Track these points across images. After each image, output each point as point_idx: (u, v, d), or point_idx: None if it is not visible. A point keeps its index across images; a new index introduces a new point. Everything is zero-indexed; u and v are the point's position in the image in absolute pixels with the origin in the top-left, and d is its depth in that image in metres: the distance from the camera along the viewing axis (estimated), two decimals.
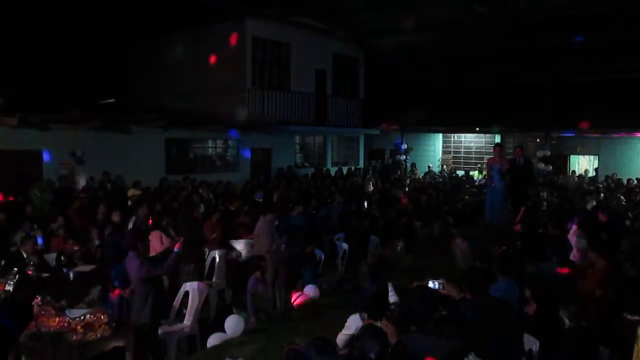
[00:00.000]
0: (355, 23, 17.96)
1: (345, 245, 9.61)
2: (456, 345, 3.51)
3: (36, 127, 12.17)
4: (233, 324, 5.83)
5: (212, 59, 16.82)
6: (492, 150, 14.36)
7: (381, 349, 3.16)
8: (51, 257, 7.83)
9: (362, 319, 4.14)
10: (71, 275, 7.03)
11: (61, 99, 14.42)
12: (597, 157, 20.43)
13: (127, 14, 16.45)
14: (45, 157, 12.62)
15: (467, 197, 15.67)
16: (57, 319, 4.82)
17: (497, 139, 21.43)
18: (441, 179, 20.27)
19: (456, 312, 4.13)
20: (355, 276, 8.25)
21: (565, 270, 5.92)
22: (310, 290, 7.44)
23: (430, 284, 4.54)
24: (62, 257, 7.72)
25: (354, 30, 18.56)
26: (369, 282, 4.37)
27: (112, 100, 17.69)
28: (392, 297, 4.60)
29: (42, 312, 4.89)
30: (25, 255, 7.19)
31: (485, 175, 17.60)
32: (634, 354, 3.81)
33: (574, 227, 7.60)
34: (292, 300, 6.56)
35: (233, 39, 16.71)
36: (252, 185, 14.67)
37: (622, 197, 14.48)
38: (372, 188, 16.63)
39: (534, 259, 6.53)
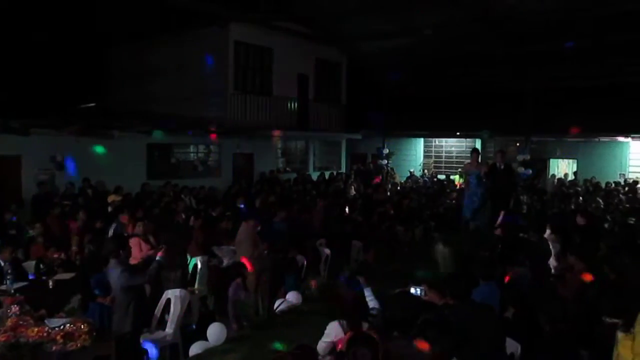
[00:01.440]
0: (338, 28, 18.03)
1: (327, 251, 9.61)
2: (439, 351, 3.53)
3: (15, 133, 11.99)
4: (216, 332, 5.81)
5: (195, 63, 16.75)
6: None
7: (372, 357, 3.19)
8: (30, 265, 7.71)
9: (342, 326, 4.15)
10: (51, 283, 6.92)
11: (41, 103, 14.22)
12: (576, 160, 20.75)
13: (109, 17, 16.30)
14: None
15: (448, 201, 15.79)
16: (36, 329, 4.74)
17: (478, 143, 21.65)
18: (422, 184, 20.40)
19: (439, 317, 4.16)
20: (338, 282, 8.26)
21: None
22: (292, 297, 7.44)
23: (412, 290, 4.55)
24: (42, 265, 7.59)
25: (336, 35, 18.62)
26: (345, 289, 4.37)
27: (92, 105, 17.51)
28: (372, 303, 4.60)
29: (21, 322, 4.80)
30: (2, 264, 7.07)
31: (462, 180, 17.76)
32: (614, 357, 3.87)
33: (547, 231, 7.69)
34: None
35: (216, 44, 16.66)
36: (235, 191, 14.61)
37: (600, 200, 14.72)
38: (354, 192, 16.68)
39: (511, 263, 6.60)
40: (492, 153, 17.87)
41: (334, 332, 4.18)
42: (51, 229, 9.32)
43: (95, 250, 7.69)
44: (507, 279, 5.69)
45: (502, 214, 9.73)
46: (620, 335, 3.83)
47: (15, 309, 4.92)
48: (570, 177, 20.47)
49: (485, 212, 10.99)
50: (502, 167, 10.84)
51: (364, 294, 4.61)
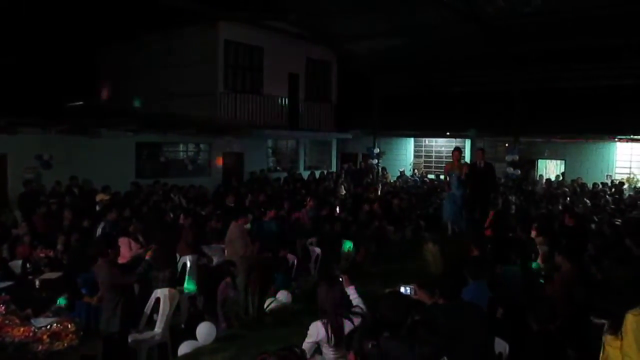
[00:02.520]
0: (329, 28, 18.03)
1: (318, 250, 9.61)
2: (429, 351, 3.53)
3: (1, 131, 11.86)
4: (205, 331, 5.78)
5: (184, 62, 16.66)
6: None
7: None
8: (16, 265, 7.62)
9: (324, 325, 4.14)
10: (37, 283, 6.85)
11: (28, 101, 14.07)
12: (564, 161, 20.91)
13: (98, 16, 16.17)
14: None
15: (439, 200, 15.82)
16: (22, 329, 4.68)
17: (467, 143, 21.74)
18: (412, 183, 20.44)
19: (428, 317, 4.16)
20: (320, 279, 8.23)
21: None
22: (282, 296, 7.43)
23: (402, 290, 4.55)
24: (28, 265, 7.51)
25: (327, 34, 18.62)
26: (324, 288, 4.33)
27: (80, 103, 17.36)
28: (355, 300, 4.59)
29: (7, 322, 4.74)
30: None
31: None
32: (601, 359, 3.89)
33: (533, 232, 7.74)
34: None
35: (205, 43, 16.59)
36: (224, 190, 14.56)
37: (587, 200, 14.83)
38: (344, 192, 16.68)
39: (501, 262, 6.64)
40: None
41: (316, 332, 4.17)
42: (37, 228, 9.22)
43: (81, 249, 7.61)
44: None
45: (491, 214, 9.76)
46: (608, 337, 3.85)
47: (0, 308, 4.85)
48: (560, 178, 20.60)
49: (465, 216, 10.91)
50: (482, 165, 10.76)
51: (345, 293, 4.58)
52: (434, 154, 24.01)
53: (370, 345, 3.26)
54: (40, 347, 4.63)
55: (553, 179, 19.78)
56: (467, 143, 21.78)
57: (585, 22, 14.12)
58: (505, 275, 6.17)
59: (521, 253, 6.75)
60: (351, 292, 4.61)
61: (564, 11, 13.93)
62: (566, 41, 15.27)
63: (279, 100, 18.40)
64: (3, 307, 4.87)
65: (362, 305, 4.51)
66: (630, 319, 3.54)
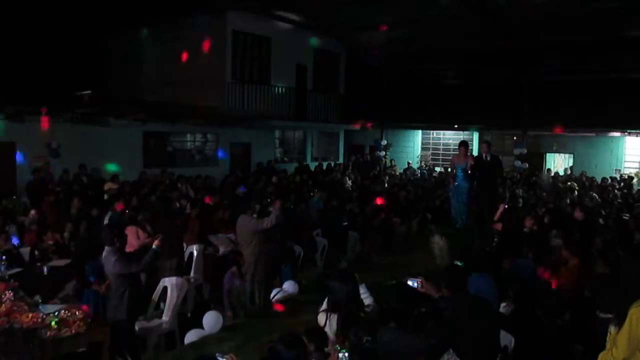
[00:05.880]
0: (337, 18, 17.93)
1: (324, 241, 9.62)
2: (435, 343, 3.53)
3: (10, 119, 11.91)
4: (211, 320, 5.81)
5: (192, 52, 16.64)
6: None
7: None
8: (25, 252, 7.69)
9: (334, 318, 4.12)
10: (45, 270, 6.91)
11: (36, 90, 14.10)
12: (572, 155, 20.78)
13: (106, 4, 16.15)
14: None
15: (445, 194, 15.76)
16: (31, 315, 4.72)
17: (475, 136, 21.65)
18: (419, 176, 20.39)
19: (435, 309, 4.16)
20: (334, 272, 8.24)
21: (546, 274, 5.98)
22: (289, 286, 7.45)
23: (409, 283, 4.54)
24: (36, 252, 7.57)
25: (335, 25, 18.53)
26: (337, 283, 4.29)
27: (88, 92, 17.38)
28: (367, 299, 4.54)
29: (15, 308, 4.78)
30: None
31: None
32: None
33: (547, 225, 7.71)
34: None
35: (213, 32, 16.56)
36: (232, 180, 14.58)
37: (595, 195, 14.73)
38: (350, 184, 16.66)
39: (511, 255, 6.62)
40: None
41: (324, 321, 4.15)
42: (46, 215, 9.28)
43: (89, 237, 7.66)
44: None
45: (501, 207, 9.68)
46: (613, 331, 3.83)
47: (9, 294, 4.89)
48: (568, 172, 20.46)
49: (472, 208, 10.86)
50: (488, 158, 10.69)
51: (357, 289, 4.52)
52: (441, 146, 23.91)
53: (364, 340, 3.25)
54: (48, 333, 4.67)
55: (561, 172, 19.65)
56: (475, 136, 21.69)
57: (596, 15, 13.98)
58: (516, 269, 6.16)
59: (533, 246, 6.72)
60: (362, 290, 4.56)
61: (575, 3, 13.79)
62: (576, 34, 15.12)
63: (287, 91, 18.35)
64: (12, 294, 4.91)
65: (373, 304, 4.47)
66: (631, 311, 3.55)
